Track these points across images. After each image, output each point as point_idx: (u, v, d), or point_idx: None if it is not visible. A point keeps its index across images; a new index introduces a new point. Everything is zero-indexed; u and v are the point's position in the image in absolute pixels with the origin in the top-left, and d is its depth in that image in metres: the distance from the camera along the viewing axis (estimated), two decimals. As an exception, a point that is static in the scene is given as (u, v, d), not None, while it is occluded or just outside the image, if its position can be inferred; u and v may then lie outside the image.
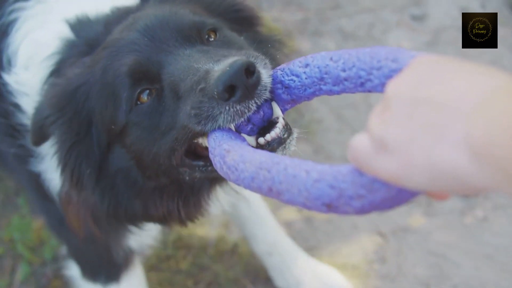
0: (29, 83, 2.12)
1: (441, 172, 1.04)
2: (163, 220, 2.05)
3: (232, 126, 1.61)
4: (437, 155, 1.03)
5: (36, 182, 2.27)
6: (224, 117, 1.57)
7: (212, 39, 1.84)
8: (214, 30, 1.86)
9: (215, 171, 1.65)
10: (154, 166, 1.86)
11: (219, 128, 1.60)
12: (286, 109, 1.67)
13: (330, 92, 1.50)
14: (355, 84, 1.42)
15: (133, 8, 2.04)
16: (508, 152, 0.95)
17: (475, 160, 0.99)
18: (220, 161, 1.51)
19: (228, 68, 1.53)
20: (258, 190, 1.36)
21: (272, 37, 2.13)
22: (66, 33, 2.06)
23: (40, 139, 1.99)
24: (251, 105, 1.57)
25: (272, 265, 3.04)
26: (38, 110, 1.96)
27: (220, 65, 1.58)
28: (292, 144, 1.64)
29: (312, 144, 3.51)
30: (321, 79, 1.49)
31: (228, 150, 1.50)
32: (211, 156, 1.57)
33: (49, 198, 2.28)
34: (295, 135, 1.66)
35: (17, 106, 2.16)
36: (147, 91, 1.77)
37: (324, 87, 1.50)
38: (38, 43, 2.13)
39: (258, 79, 1.57)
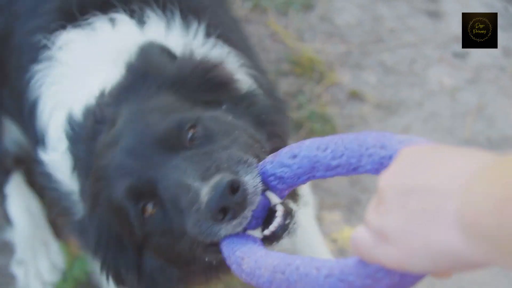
0: (57, 162, 2.24)
1: (440, 254, 1.10)
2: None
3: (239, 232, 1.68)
4: (433, 238, 1.10)
5: None
6: (225, 231, 1.64)
7: (192, 134, 1.88)
8: (193, 125, 1.90)
9: None
10: (182, 261, 1.97)
11: (228, 236, 1.67)
12: (284, 196, 1.70)
13: (324, 177, 1.54)
14: (348, 170, 1.46)
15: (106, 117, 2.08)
16: (496, 222, 0.99)
17: (468, 237, 1.05)
18: (237, 268, 1.57)
19: (213, 193, 1.60)
20: None
21: (250, 92, 2.16)
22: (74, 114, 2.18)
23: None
24: (247, 214, 1.63)
25: None
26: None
27: (206, 187, 1.64)
28: (295, 227, 1.70)
29: (348, 176, 3.52)
30: (313, 168, 1.53)
31: (242, 257, 1.57)
32: (228, 263, 1.64)
33: None
34: (295, 217, 1.71)
35: (58, 181, 2.28)
36: (150, 205, 1.85)
37: (317, 174, 1.54)
38: (58, 126, 2.25)
39: (245, 193, 1.62)
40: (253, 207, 1.64)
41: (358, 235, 1.26)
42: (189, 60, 2.14)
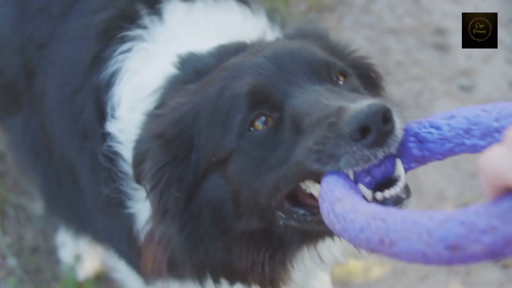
0: (132, 128, 2.05)
1: None
2: (245, 274, 1.88)
3: (351, 174, 1.51)
4: None
5: (125, 227, 2.22)
6: (348, 158, 1.45)
7: (341, 82, 1.76)
8: (344, 74, 1.78)
9: (313, 222, 1.63)
10: (250, 203, 1.73)
11: (337, 172, 1.48)
12: (410, 168, 1.56)
13: (474, 148, 1.40)
14: None
15: (251, 43, 1.99)
16: None
17: None
18: (328, 207, 1.39)
19: (366, 108, 1.42)
20: (365, 242, 1.23)
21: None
22: (171, 70, 2.03)
23: (140, 176, 1.89)
24: (379, 153, 1.45)
25: None
26: (139, 143, 1.92)
27: (356, 104, 1.47)
28: (407, 207, 1.52)
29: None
30: (468, 131, 1.38)
31: (340, 198, 1.38)
32: (320, 200, 1.45)
33: (135, 243, 2.20)
34: (410, 197, 1.53)
35: (119, 155, 2.13)
36: (264, 118, 1.67)
37: (468, 141, 1.39)
38: (141, 84, 2.10)
39: (393, 127, 1.45)
40: (389, 151, 1.46)
41: (490, 152, 1.05)
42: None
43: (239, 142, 1.68)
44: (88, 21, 2.34)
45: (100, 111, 2.20)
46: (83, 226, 2.57)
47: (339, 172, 1.47)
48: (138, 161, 1.89)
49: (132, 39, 2.23)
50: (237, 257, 1.84)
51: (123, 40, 2.24)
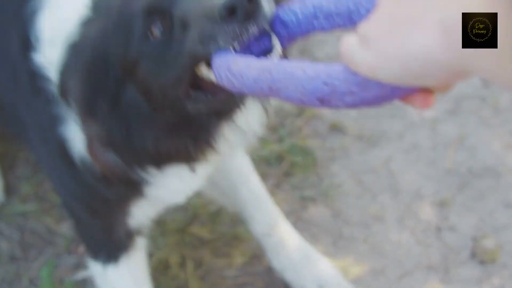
0: (55, 58, 2.19)
1: (414, 58, 1.13)
2: (172, 157, 2.15)
3: (232, 50, 1.70)
4: (410, 41, 1.12)
5: (61, 149, 2.36)
6: (224, 37, 1.67)
7: None
8: None
9: (216, 102, 1.90)
10: (161, 99, 1.96)
11: (222, 50, 1.68)
12: (285, 46, 1.75)
13: (321, 29, 1.61)
14: (344, 19, 1.53)
15: None
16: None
17: (447, 38, 1.08)
18: (225, 71, 1.60)
19: None
20: (259, 90, 1.48)
21: None
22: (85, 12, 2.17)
23: (64, 92, 2.09)
24: (250, 28, 1.66)
25: (270, 247, 3.19)
26: (63, 68, 2.09)
27: None
28: None
29: (331, 208, 3.53)
30: (315, 17, 1.59)
31: (234, 61, 1.60)
32: (215, 72, 1.67)
33: (71, 164, 2.36)
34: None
35: (48, 80, 2.27)
36: (159, 25, 1.86)
37: (316, 23, 1.60)
38: (61, 19, 2.22)
39: (258, 5, 1.66)
40: (260, 27, 1.67)
41: (346, 39, 1.30)
42: None
43: (140, 50, 1.90)
44: None
45: (26, 42, 2.34)
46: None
47: (225, 49, 1.68)
48: (63, 81, 2.10)
49: None
50: (163, 144, 2.10)
51: None
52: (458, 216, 3.49)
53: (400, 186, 3.60)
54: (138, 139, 2.09)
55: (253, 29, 1.67)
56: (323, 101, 1.34)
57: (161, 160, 2.18)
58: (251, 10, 1.65)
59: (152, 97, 1.98)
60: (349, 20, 1.52)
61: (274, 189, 3.54)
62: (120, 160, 2.17)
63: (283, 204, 3.45)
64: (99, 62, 2.00)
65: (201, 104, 1.96)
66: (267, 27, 1.72)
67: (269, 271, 3.26)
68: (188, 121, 2.08)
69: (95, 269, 2.76)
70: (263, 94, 1.50)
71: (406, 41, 1.13)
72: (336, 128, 3.83)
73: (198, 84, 1.92)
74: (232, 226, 3.40)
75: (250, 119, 2.33)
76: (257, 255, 3.30)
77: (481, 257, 3.31)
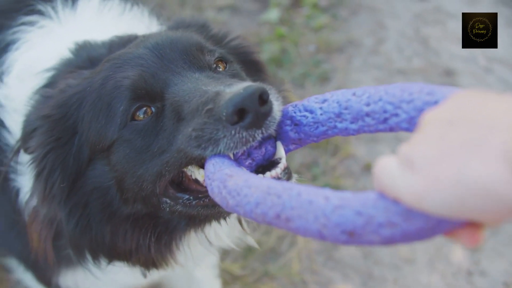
0: (19, 98, 2.08)
1: (473, 187, 0.99)
2: (129, 255, 1.92)
3: (231, 156, 1.53)
4: (468, 169, 1.00)
5: (12, 199, 2.18)
6: (227, 142, 1.48)
7: (221, 69, 1.80)
8: (224, 61, 1.83)
9: (198, 206, 1.66)
10: (135, 190, 1.75)
11: (219, 155, 1.50)
12: (289, 150, 1.59)
13: (345, 131, 1.43)
14: (377, 120, 1.35)
15: (140, 35, 2.02)
16: None
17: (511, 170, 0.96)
18: (219, 185, 1.39)
19: (242, 91, 1.45)
20: (261, 216, 1.25)
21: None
22: (65, 54, 2.07)
23: (27, 149, 1.90)
24: (257, 134, 1.49)
25: None
26: (27, 121, 1.93)
27: (232, 88, 1.50)
28: None
29: (362, 249, 3.52)
30: (339, 115, 1.42)
31: (230, 174, 1.39)
32: (207, 181, 1.46)
33: (18, 212, 2.17)
34: (293, 180, 1.57)
35: (2, 124, 2.13)
36: (144, 108, 1.70)
37: (339, 125, 1.43)
38: (35, 59, 2.13)
39: (270, 109, 1.49)
40: (267, 132, 1.49)
41: (384, 162, 1.14)
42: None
43: (121, 132, 1.72)
44: None
45: None
46: None
47: (221, 155, 1.50)
48: (26, 138, 1.90)
49: (39, 13, 2.29)
50: (122, 239, 1.88)
51: (30, 12, 2.29)
52: (489, 261, 3.47)
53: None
54: (97, 230, 1.88)
55: (259, 136, 1.50)
56: (352, 235, 1.11)
57: (115, 255, 1.93)
58: (262, 115, 1.48)
59: (123, 187, 1.78)
60: (383, 123, 1.35)
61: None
62: (66, 243, 1.95)
63: (314, 243, 3.46)
64: (67, 124, 1.83)
65: (179, 205, 1.75)
66: (274, 130, 1.53)
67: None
68: (156, 220, 1.86)
69: None
70: (265, 221, 1.25)
71: (462, 169, 1.00)
72: (369, 168, 3.84)
73: (181, 183, 1.74)
74: (264, 262, 3.41)
75: (220, 230, 2.04)
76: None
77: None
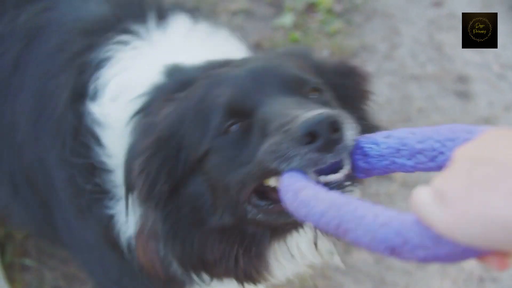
0: (114, 116, 2.19)
1: (494, 223, 1.08)
2: (216, 265, 2.01)
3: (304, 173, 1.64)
4: (489, 205, 1.08)
5: (104, 228, 2.25)
6: (299, 160, 1.61)
7: (313, 96, 1.90)
8: (318, 90, 1.93)
9: (275, 212, 1.79)
10: (224, 197, 1.88)
11: (294, 169, 1.63)
12: (359, 177, 1.69)
13: (403, 167, 1.53)
14: (428, 158, 1.45)
15: (234, 60, 2.12)
16: None
17: None
18: (293, 196, 1.53)
19: (314, 116, 1.58)
20: (325, 226, 1.38)
21: (366, 117, 2.15)
22: (158, 78, 2.16)
23: (131, 186, 2.01)
24: (328, 159, 1.60)
25: None
26: (131, 150, 2.05)
27: (309, 113, 1.62)
28: (349, 191, 1.66)
29: (374, 254, 3.53)
30: (398, 150, 1.52)
31: (303, 187, 1.52)
32: (282, 191, 1.60)
33: (114, 245, 2.26)
34: (354, 189, 1.68)
35: (97, 139, 2.21)
36: (236, 124, 1.84)
37: (398, 160, 1.53)
38: (129, 82, 2.22)
39: (341, 137, 1.61)
40: (340, 157, 1.61)
41: (419, 193, 1.23)
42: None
43: (213, 142, 1.86)
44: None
45: (79, 91, 2.29)
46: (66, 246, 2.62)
47: (296, 169, 1.63)
48: (131, 167, 2.00)
49: (132, 33, 2.36)
50: (209, 250, 1.99)
51: (123, 31, 2.36)
52: (501, 268, 3.47)
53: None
54: (187, 238, 1.98)
55: (330, 160, 1.62)
56: (394, 252, 1.24)
57: (203, 266, 2.03)
58: (332, 141, 1.60)
59: (214, 193, 1.91)
60: (432, 161, 1.46)
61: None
62: (170, 257, 2.04)
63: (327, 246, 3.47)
64: (172, 144, 1.94)
65: (261, 213, 1.85)
66: (345, 157, 1.64)
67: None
68: (243, 232, 1.96)
69: None
70: (330, 230, 1.39)
71: (486, 205, 1.09)
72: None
73: (263, 192, 1.84)
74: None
75: (301, 244, 2.13)
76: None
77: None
